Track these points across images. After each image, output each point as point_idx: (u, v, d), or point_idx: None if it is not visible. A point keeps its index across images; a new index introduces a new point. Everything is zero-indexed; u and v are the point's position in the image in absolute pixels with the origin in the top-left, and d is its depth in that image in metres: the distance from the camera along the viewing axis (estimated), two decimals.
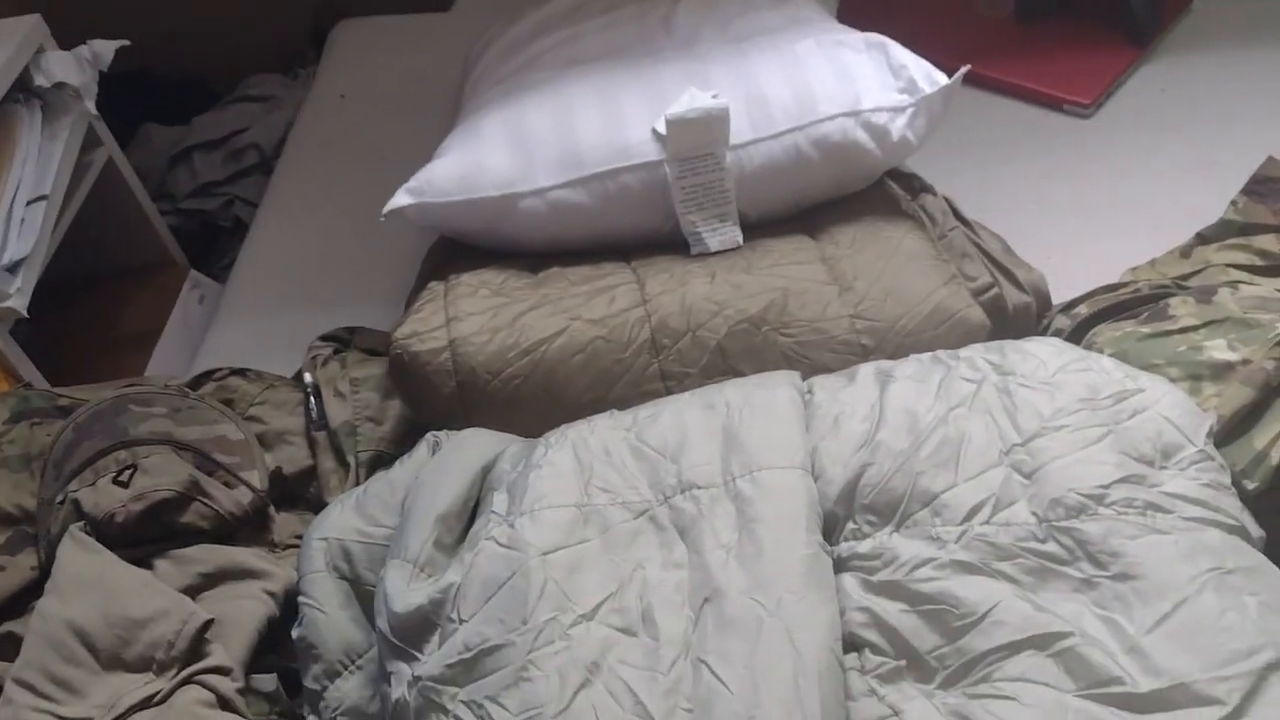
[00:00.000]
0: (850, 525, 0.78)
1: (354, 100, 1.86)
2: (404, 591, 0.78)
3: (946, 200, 1.18)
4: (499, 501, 0.81)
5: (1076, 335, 1.05)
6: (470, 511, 0.86)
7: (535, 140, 1.08)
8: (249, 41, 2.20)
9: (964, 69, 1.06)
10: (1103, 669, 0.66)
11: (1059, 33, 1.51)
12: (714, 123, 1.04)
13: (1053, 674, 0.67)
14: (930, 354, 0.92)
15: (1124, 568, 0.71)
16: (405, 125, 1.71)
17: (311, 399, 1.07)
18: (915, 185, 1.19)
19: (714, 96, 1.07)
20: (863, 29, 1.18)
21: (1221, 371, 0.88)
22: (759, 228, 1.09)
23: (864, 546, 0.77)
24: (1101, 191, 1.33)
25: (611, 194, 1.06)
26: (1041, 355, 0.87)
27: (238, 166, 1.86)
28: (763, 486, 0.77)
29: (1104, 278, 1.12)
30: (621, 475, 0.81)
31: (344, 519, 0.89)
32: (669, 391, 0.98)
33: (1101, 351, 0.96)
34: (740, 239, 1.07)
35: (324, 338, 1.17)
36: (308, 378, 1.09)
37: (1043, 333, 1.09)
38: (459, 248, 1.13)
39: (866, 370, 0.90)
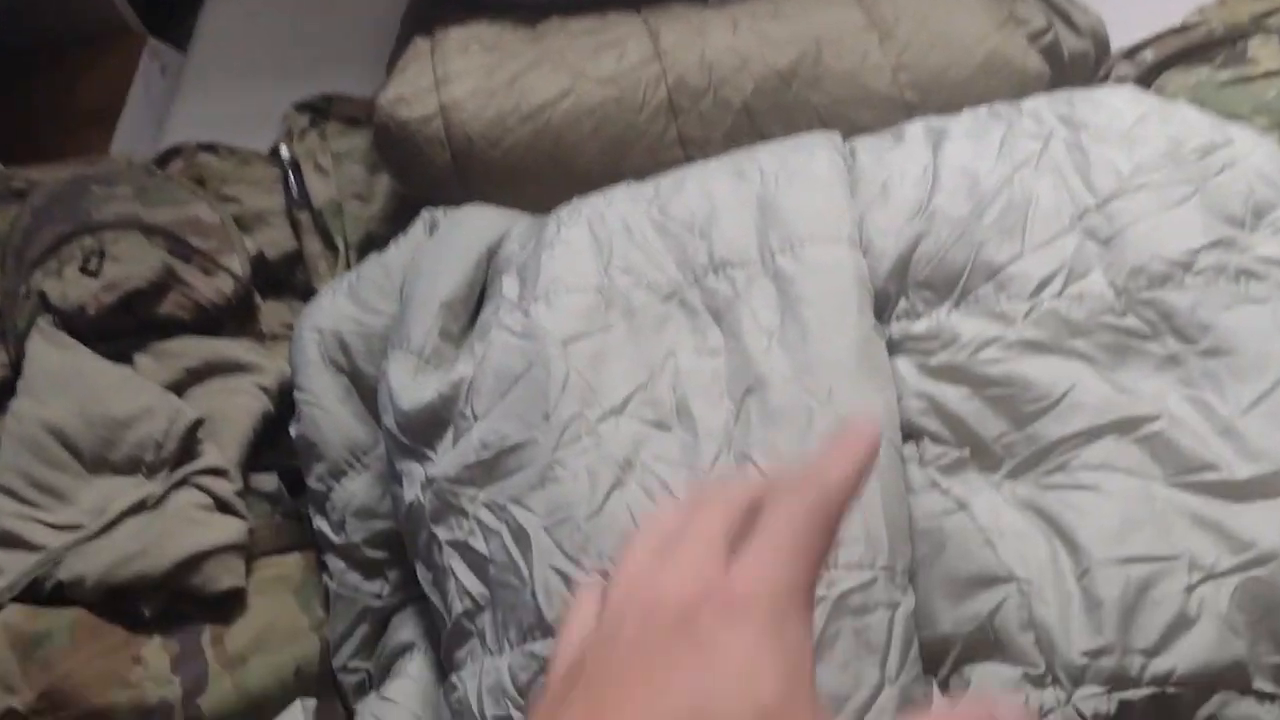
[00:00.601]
0: (903, 303, 0.70)
1: None
2: (410, 386, 0.70)
3: None
4: (509, 286, 0.73)
5: (1142, 84, 0.94)
6: (477, 296, 0.77)
7: None
8: None
9: None
10: (1194, 454, 0.59)
11: None
12: None
13: (1137, 460, 0.60)
14: (987, 107, 0.81)
15: (1215, 342, 0.64)
16: None
17: (290, 175, 0.96)
18: None
19: None
20: None
21: None
22: None
23: (919, 326, 0.69)
24: None
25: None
26: (1116, 105, 0.77)
27: None
28: (806, 262, 0.69)
29: (1167, 19, 1.00)
30: (645, 254, 0.72)
31: (337, 307, 0.80)
32: (689, 160, 0.87)
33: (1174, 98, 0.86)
34: None
35: (299, 106, 1.05)
36: (284, 151, 0.98)
37: (1103, 82, 0.98)
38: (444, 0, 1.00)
39: (915, 128, 0.80)
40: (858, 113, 0.88)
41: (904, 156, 0.77)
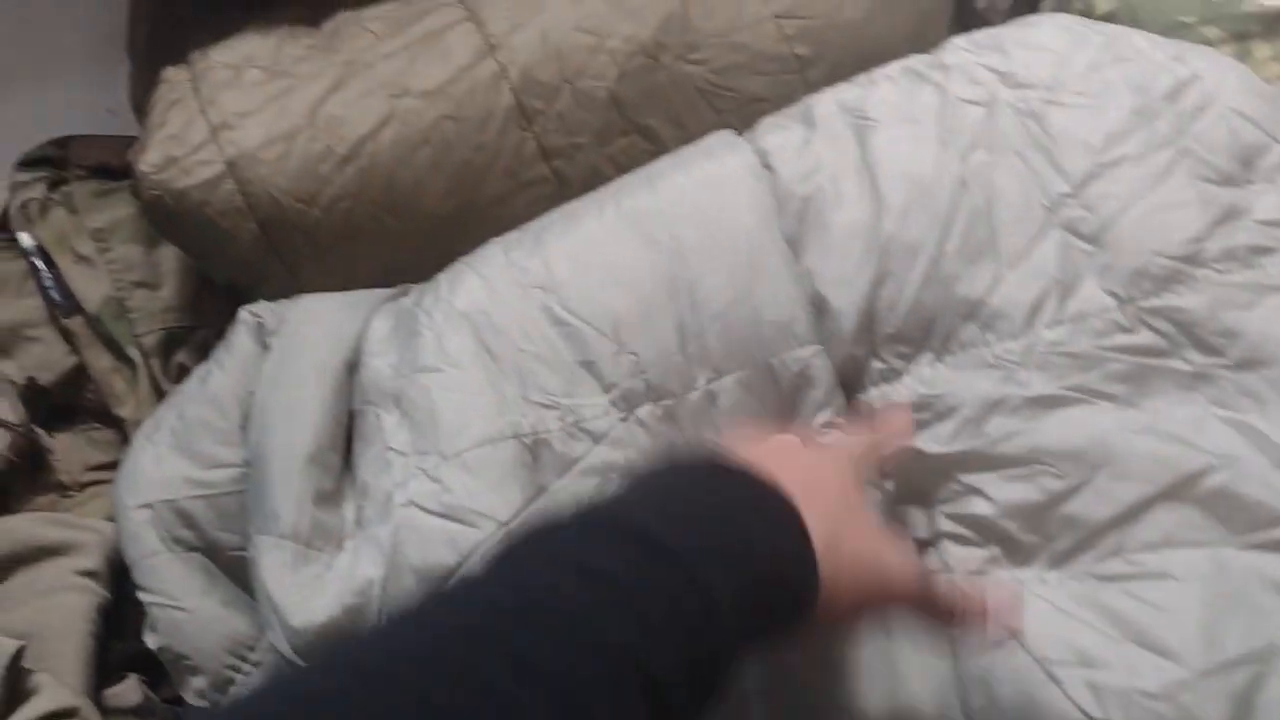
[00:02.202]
0: (877, 365, 0.59)
1: None
2: (295, 590, 0.56)
3: None
4: (393, 429, 0.58)
5: None
6: (345, 432, 0.62)
7: None
8: None
9: None
10: (1261, 505, 0.52)
11: None
12: None
13: (1200, 526, 0.53)
14: (900, 65, 0.69)
15: (1247, 351, 0.56)
16: None
17: (42, 272, 0.76)
18: None
19: None
20: None
21: (1274, 23, 0.69)
22: None
23: (904, 391, 0.58)
24: None
25: None
26: (1055, 45, 0.66)
27: None
28: (756, 387, 0.57)
29: None
30: (559, 374, 0.58)
31: (164, 468, 0.64)
32: (560, 177, 0.72)
33: (1097, 14, 0.75)
34: None
35: (25, 163, 0.83)
36: (25, 240, 0.77)
37: None
38: None
39: (827, 108, 0.67)
40: (745, 82, 0.74)
41: (826, 155, 0.64)
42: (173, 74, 0.74)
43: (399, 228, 0.71)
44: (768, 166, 0.65)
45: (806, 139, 0.66)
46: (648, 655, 0.34)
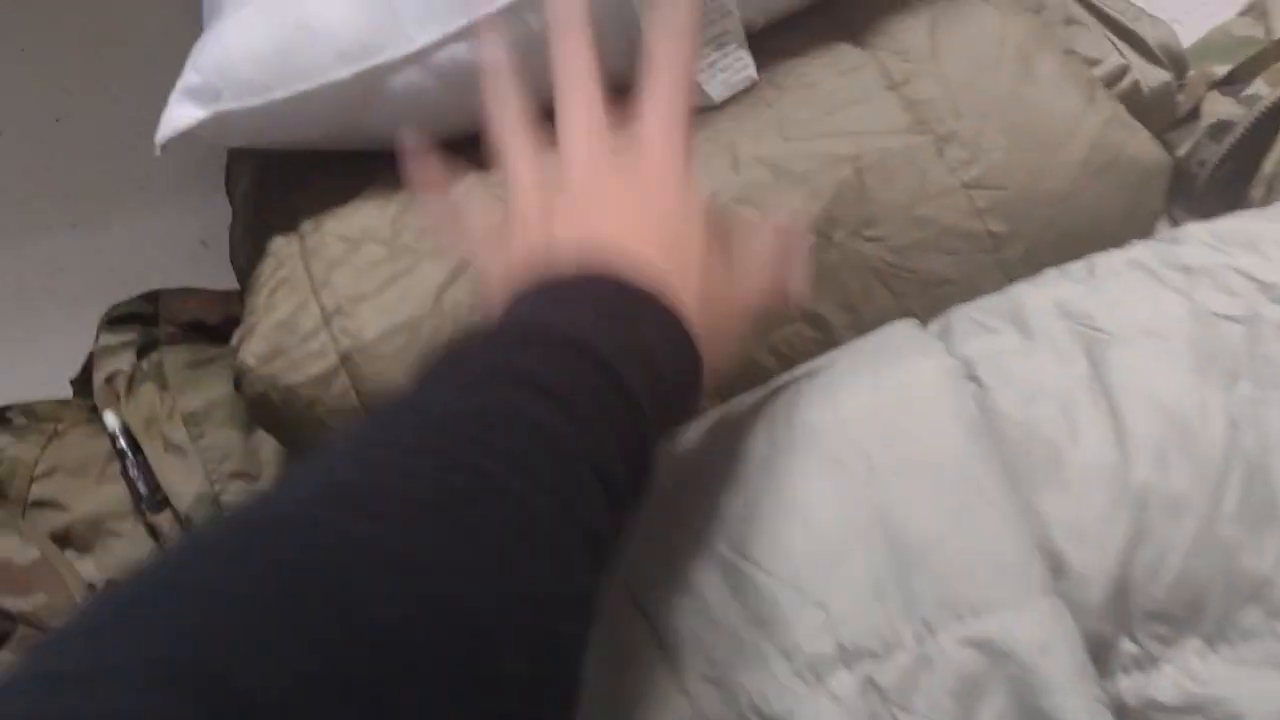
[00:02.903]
0: (1129, 647, 0.49)
1: None
2: None
3: None
4: None
5: (1261, 132, 0.73)
6: None
7: None
8: None
9: None
10: None
11: None
12: None
13: None
14: (1125, 257, 0.59)
15: None
16: None
17: (128, 460, 0.68)
18: None
19: None
20: None
21: None
22: (770, 37, 0.70)
23: (1164, 686, 0.48)
24: None
25: (535, 35, 0.64)
26: None
27: None
28: (991, 652, 0.47)
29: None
30: (721, 634, 0.49)
31: None
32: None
33: None
34: (754, 72, 0.69)
35: (112, 321, 0.76)
36: (110, 421, 0.70)
37: (1191, 122, 0.78)
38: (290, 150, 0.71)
39: (1041, 309, 0.57)
40: (929, 261, 0.65)
41: (1050, 373, 0.55)
42: (281, 246, 0.66)
43: None
44: (974, 379, 0.56)
45: (1022, 348, 0.56)
46: (596, 453, 0.36)
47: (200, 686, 0.24)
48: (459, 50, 0.64)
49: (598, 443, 0.37)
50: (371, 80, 0.63)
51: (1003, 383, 0.55)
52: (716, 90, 0.68)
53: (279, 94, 0.63)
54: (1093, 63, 0.73)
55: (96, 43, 1.12)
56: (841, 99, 0.67)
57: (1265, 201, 0.72)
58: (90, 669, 0.24)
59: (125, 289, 0.90)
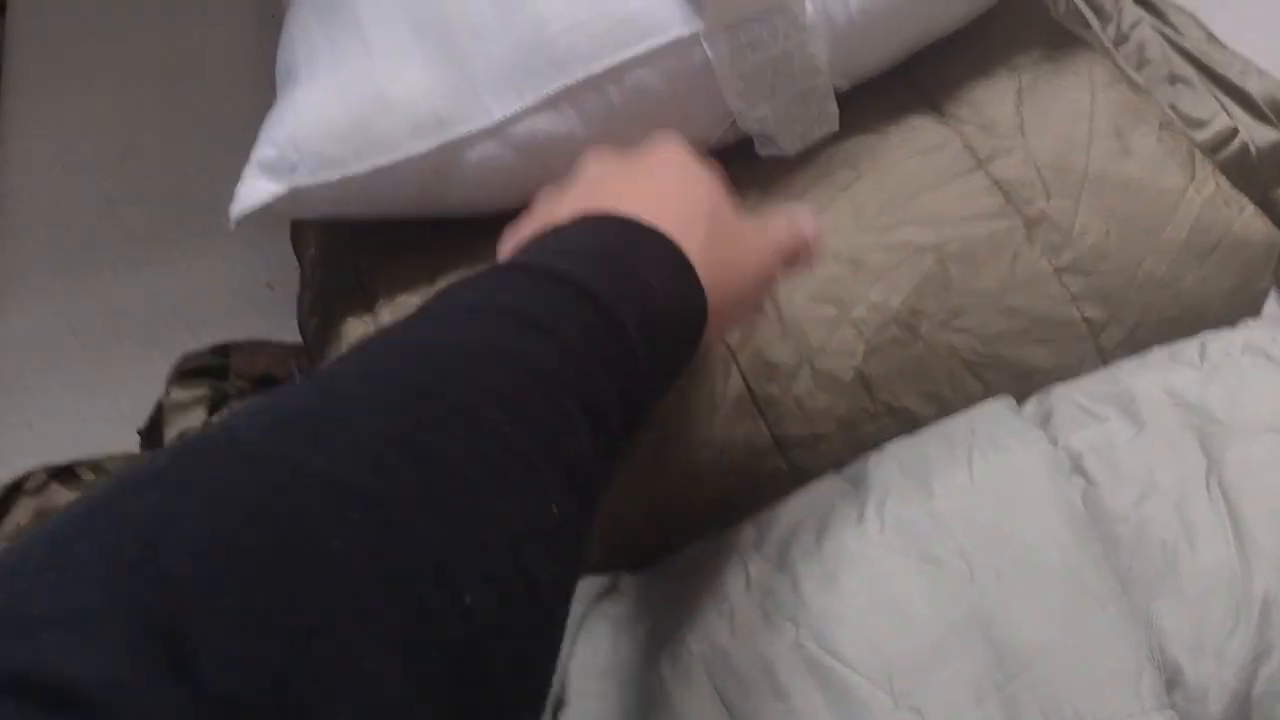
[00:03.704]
0: None
1: None
2: None
3: None
4: None
5: None
6: None
7: (467, 32, 0.63)
8: None
9: None
10: None
11: None
12: None
13: None
14: (1241, 340, 0.57)
15: None
16: None
17: None
18: None
19: None
20: None
21: None
22: (848, 107, 0.68)
23: None
24: None
25: (616, 107, 0.63)
26: None
27: None
28: None
29: None
30: None
31: None
32: (795, 472, 0.62)
33: None
34: (836, 124, 0.67)
35: (184, 373, 0.77)
36: None
37: None
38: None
39: (1152, 397, 0.55)
40: (1023, 351, 0.62)
41: (1162, 468, 0.52)
42: (355, 329, 0.66)
43: (606, 530, 0.61)
44: (1081, 472, 0.54)
45: (1132, 439, 0.54)
46: (585, 389, 0.36)
47: (156, 630, 0.23)
48: (538, 122, 0.63)
49: (587, 378, 0.36)
50: (449, 153, 0.63)
51: (1112, 478, 0.53)
52: (793, 144, 0.66)
53: (355, 169, 0.62)
54: (1197, 124, 0.70)
55: (165, 81, 1.12)
56: (923, 181, 0.65)
57: None
58: (43, 611, 0.23)
59: (189, 331, 0.90)
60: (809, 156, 0.68)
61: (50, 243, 1.04)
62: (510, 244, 0.47)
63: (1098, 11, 0.74)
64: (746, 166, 0.67)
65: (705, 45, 0.62)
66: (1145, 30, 0.74)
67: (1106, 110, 0.66)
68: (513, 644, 0.30)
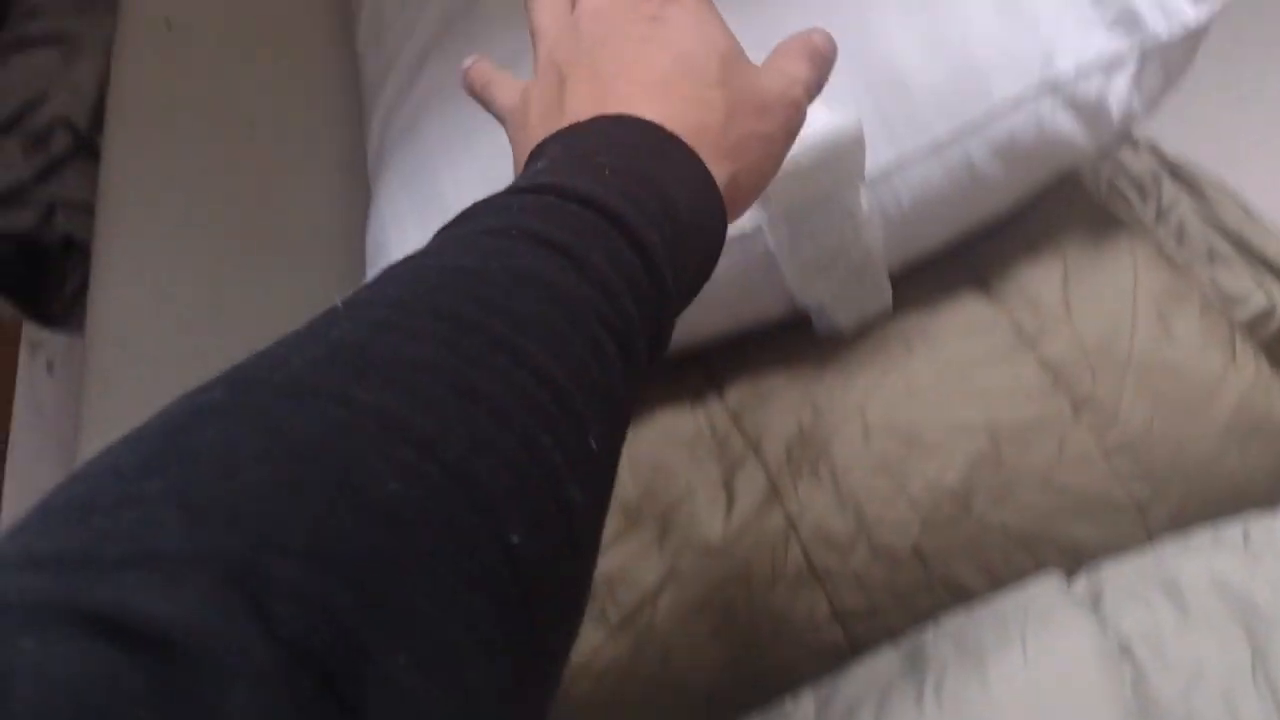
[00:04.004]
0: None
1: (186, 25, 1.38)
2: None
3: (1152, 149, 0.81)
4: None
5: None
6: None
7: None
8: None
9: None
10: None
11: None
12: (841, 154, 0.65)
13: None
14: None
15: None
16: (272, 49, 1.28)
17: None
18: None
19: None
20: None
21: None
22: (900, 285, 0.72)
23: None
24: None
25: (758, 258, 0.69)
26: None
27: (47, 157, 1.39)
28: None
29: None
30: None
31: None
32: (853, 643, 0.65)
33: None
34: (889, 301, 0.71)
35: None
36: None
37: None
38: None
39: (1197, 583, 0.58)
40: (1071, 528, 0.65)
41: (1209, 657, 0.55)
42: None
43: (668, 704, 0.64)
44: (1129, 658, 0.56)
45: (1179, 626, 0.57)
46: (610, 311, 0.35)
47: (234, 574, 0.23)
48: None
49: (611, 300, 0.36)
50: None
51: (1160, 665, 0.55)
52: (849, 320, 0.70)
53: None
54: (1236, 301, 0.73)
55: (253, 241, 1.17)
56: (974, 359, 0.69)
57: None
58: (123, 552, 0.23)
59: None
60: (864, 331, 0.72)
61: (135, 393, 1.10)
62: (524, 138, 0.46)
63: (1138, 189, 0.79)
64: (803, 340, 0.72)
65: (767, 233, 0.67)
66: (1184, 208, 0.78)
67: (1149, 292, 0.69)
68: (551, 577, 0.31)
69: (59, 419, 1.22)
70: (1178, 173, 0.80)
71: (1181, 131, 0.82)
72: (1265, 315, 0.73)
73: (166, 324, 1.15)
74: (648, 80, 0.44)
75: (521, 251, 0.35)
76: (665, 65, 0.45)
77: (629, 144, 0.41)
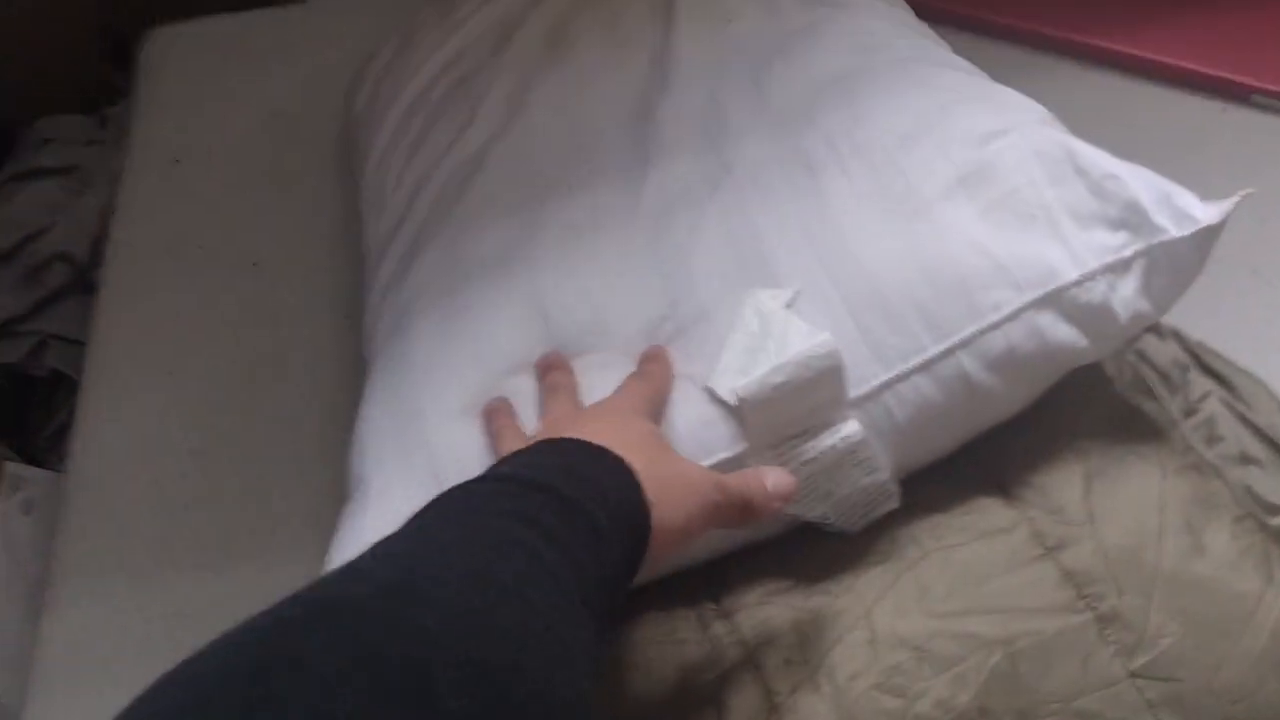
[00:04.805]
0: None
1: (194, 162, 1.38)
2: None
3: (1177, 337, 0.78)
4: None
5: None
6: None
7: None
8: (18, 69, 1.64)
9: (1244, 192, 0.64)
10: None
11: None
12: (818, 380, 0.62)
13: None
14: None
15: None
16: (275, 190, 1.28)
17: None
18: None
19: (791, 301, 0.65)
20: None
21: None
22: (913, 484, 0.69)
23: None
24: None
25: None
26: None
27: (44, 290, 1.37)
28: None
29: None
30: None
31: None
32: None
33: None
34: (897, 496, 0.67)
35: None
36: None
37: None
38: None
39: None
40: None
41: None
42: None
43: None
44: None
45: None
46: (576, 575, 0.43)
47: None
48: None
49: (575, 566, 0.44)
50: None
51: None
52: (854, 525, 0.67)
53: None
54: (1273, 510, 0.69)
55: (244, 380, 1.15)
56: (990, 567, 0.65)
57: None
58: None
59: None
60: (873, 530, 0.68)
61: (115, 541, 1.06)
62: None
63: (1165, 380, 0.75)
64: (807, 538, 0.68)
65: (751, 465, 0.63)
66: (1214, 403, 0.74)
67: (1178, 501, 0.66)
68: None
69: (31, 564, 1.17)
70: (1206, 364, 0.76)
71: (1212, 319, 0.79)
72: None
73: (149, 469, 1.12)
74: (593, 427, 0.56)
75: (502, 524, 0.45)
76: (608, 424, 0.58)
77: (572, 451, 0.53)
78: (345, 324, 1.08)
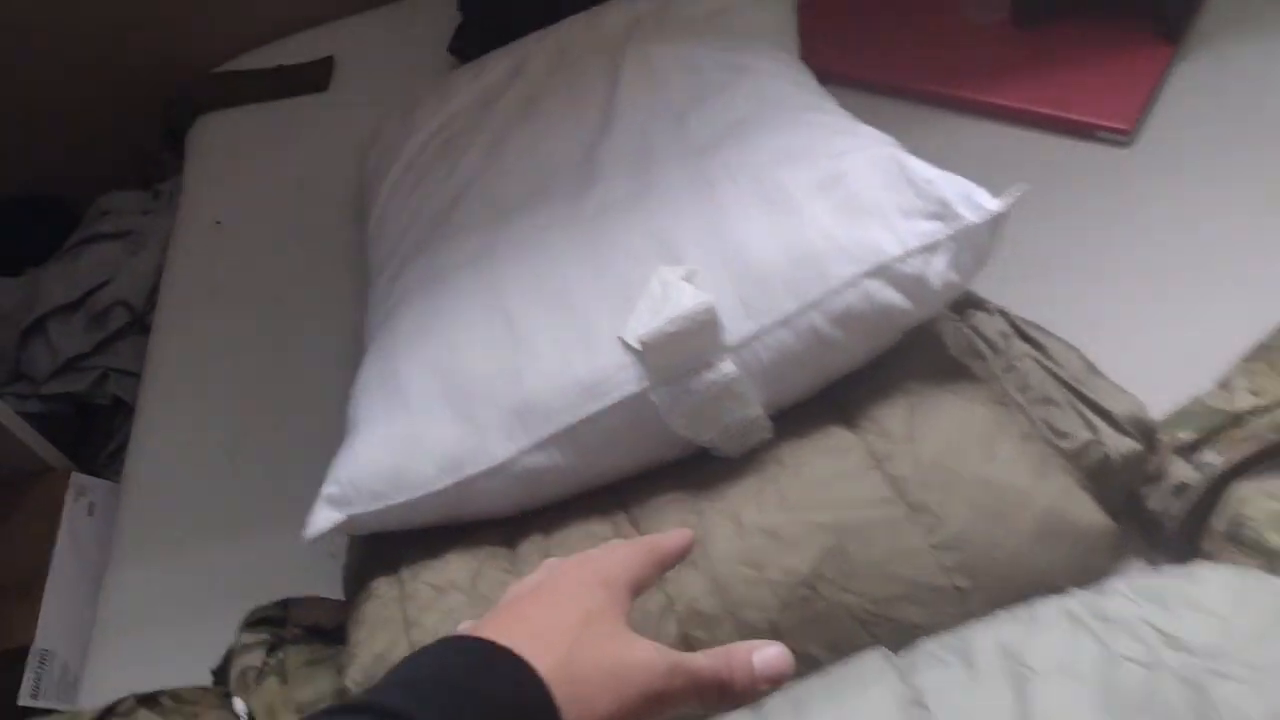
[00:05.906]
0: None
1: (232, 223, 1.62)
2: None
3: (1003, 314, 0.98)
4: None
5: (1210, 496, 0.86)
6: None
7: (479, 394, 0.88)
8: (85, 153, 1.92)
9: (1019, 189, 0.84)
10: None
11: (1068, 37, 1.28)
12: (700, 330, 0.83)
13: None
14: (1060, 606, 0.73)
15: None
16: (300, 246, 1.53)
17: None
18: (960, 302, 0.98)
19: (688, 276, 0.86)
20: (830, 51, 1.14)
21: None
22: (777, 420, 0.88)
23: None
24: (1157, 245, 1.09)
25: (592, 445, 0.87)
26: (1221, 608, 0.69)
27: (104, 332, 1.61)
28: None
29: (1185, 373, 0.93)
30: None
31: None
32: None
33: (1259, 532, 0.78)
34: (769, 428, 0.87)
35: (252, 624, 0.96)
36: (239, 706, 0.88)
37: (1154, 484, 0.90)
38: None
39: (986, 648, 0.71)
40: (903, 611, 0.79)
41: (984, 704, 0.68)
42: (383, 589, 0.85)
43: None
44: (922, 706, 0.69)
45: (965, 681, 0.70)
46: None
47: None
48: (531, 459, 0.86)
49: None
50: (464, 486, 0.87)
51: (946, 711, 0.68)
52: (735, 450, 0.86)
53: (394, 500, 0.87)
54: (1063, 436, 0.87)
55: (271, 391, 1.37)
56: (834, 477, 0.84)
57: (1214, 554, 0.82)
58: None
59: (265, 592, 1.08)
60: (748, 456, 0.87)
61: (163, 518, 1.27)
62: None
63: (991, 346, 0.94)
64: (697, 461, 0.87)
65: (653, 397, 0.83)
66: (1029, 362, 0.93)
67: (980, 424, 0.85)
68: None
69: (93, 552, 1.38)
70: (1025, 333, 0.96)
71: (1051, 307, 0.98)
72: (1087, 447, 0.87)
73: (192, 477, 1.33)
74: (517, 612, 0.53)
75: None
76: (529, 610, 0.53)
77: (457, 655, 0.49)
78: (352, 350, 1.29)
